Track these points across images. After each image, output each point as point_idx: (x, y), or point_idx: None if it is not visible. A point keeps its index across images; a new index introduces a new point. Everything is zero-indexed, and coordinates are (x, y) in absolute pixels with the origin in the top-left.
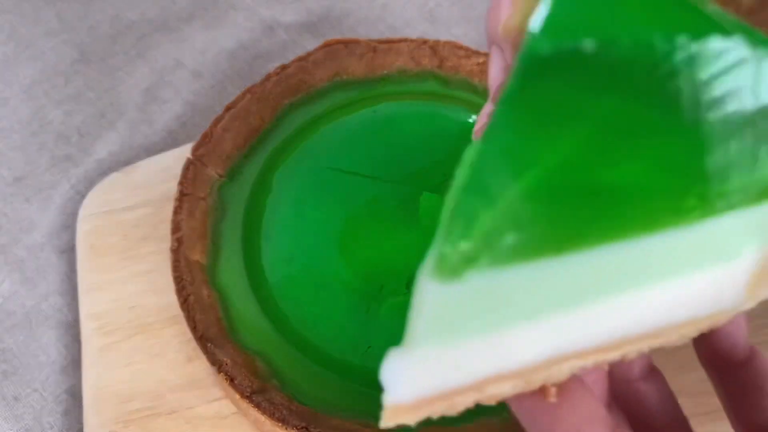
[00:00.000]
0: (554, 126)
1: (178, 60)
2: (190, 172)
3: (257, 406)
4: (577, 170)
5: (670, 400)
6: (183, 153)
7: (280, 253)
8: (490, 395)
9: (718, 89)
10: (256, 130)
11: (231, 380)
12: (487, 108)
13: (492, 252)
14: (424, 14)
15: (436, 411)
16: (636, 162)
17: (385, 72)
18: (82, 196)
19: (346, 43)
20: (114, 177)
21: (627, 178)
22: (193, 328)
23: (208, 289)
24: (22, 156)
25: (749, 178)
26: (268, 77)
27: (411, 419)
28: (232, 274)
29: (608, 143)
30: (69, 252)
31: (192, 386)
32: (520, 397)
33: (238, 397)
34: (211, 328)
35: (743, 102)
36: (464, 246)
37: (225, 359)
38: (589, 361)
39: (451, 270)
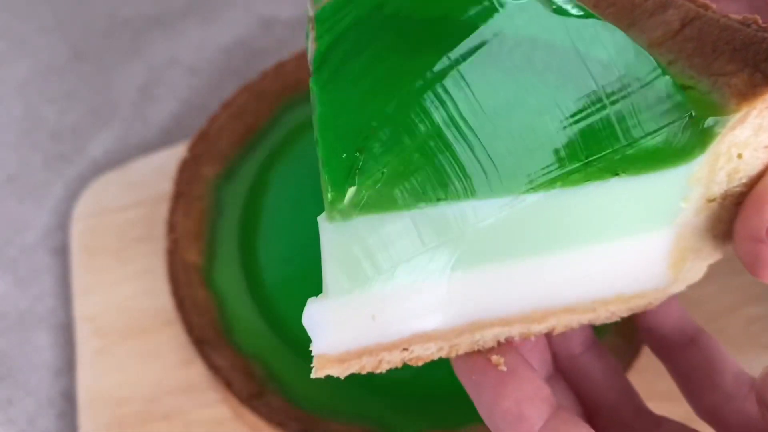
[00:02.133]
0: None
1: (173, 57)
2: (186, 171)
3: (255, 410)
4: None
5: (614, 372)
6: (179, 152)
7: (277, 253)
8: (417, 356)
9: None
10: (253, 128)
11: (228, 384)
12: None
13: (378, 195)
14: None
15: (364, 366)
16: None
17: None
18: (76, 195)
19: None
20: (108, 176)
21: (513, 134)
22: (189, 331)
23: (205, 290)
24: (15, 155)
25: (622, 144)
26: (265, 74)
27: (340, 372)
28: (228, 275)
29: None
30: (63, 253)
31: (188, 390)
32: (467, 370)
33: (235, 401)
34: (208, 330)
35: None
36: (350, 190)
37: (222, 363)
38: (514, 330)
39: (341, 212)
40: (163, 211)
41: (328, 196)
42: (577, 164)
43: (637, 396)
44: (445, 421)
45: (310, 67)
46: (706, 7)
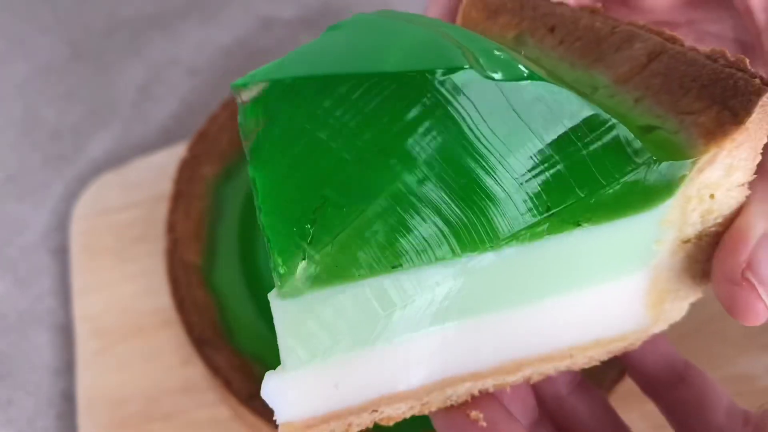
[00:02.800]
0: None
1: (173, 57)
2: (186, 171)
3: (254, 410)
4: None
5: (604, 410)
6: (178, 151)
7: None
8: (388, 416)
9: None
10: None
11: (228, 384)
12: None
13: (331, 268)
14: (424, 9)
15: (334, 430)
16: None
17: None
18: (76, 195)
19: None
20: (108, 176)
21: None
22: (189, 331)
23: (204, 291)
24: (15, 155)
25: (581, 196)
26: None
27: None
28: (228, 275)
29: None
30: (62, 253)
31: (187, 390)
32: (446, 426)
33: (235, 401)
34: (207, 330)
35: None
36: (300, 264)
37: (222, 363)
38: (487, 383)
39: (292, 289)
40: (162, 211)
41: (279, 271)
42: (538, 218)
43: (629, 430)
44: None
45: (246, 149)
46: (673, 39)
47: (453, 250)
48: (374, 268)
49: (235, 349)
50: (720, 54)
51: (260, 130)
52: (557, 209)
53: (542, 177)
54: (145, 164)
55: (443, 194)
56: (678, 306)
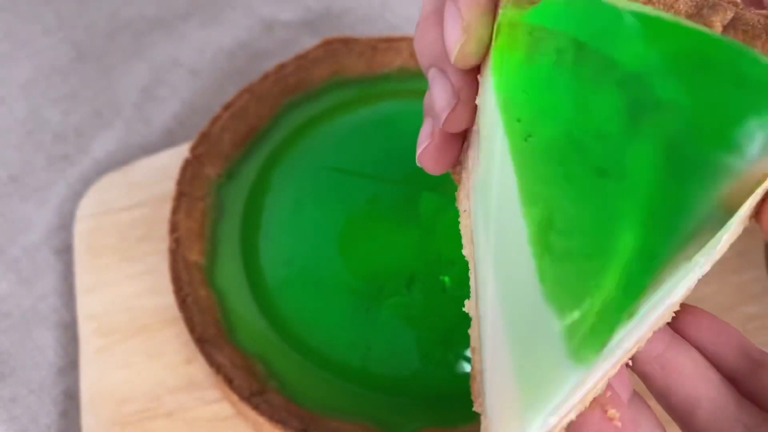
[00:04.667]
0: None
1: (175, 58)
2: (188, 171)
3: (256, 408)
4: None
5: (704, 365)
6: (181, 152)
7: (279, 253)
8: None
9: None
10: (254, 129)
11: (229, 382)
12: (427, 129)
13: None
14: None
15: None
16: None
17: (385, 70)
18: (79, 195)
19: (346, 42)
20: (111, 177)
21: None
22: (192, 330)
23: (207, 290)
24: (19, 155)
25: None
26: (266, 76)
27: None
28: (230, 275)
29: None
30: (66, 252)
31: (190, 388)
32: (583, 426)
33: (236, 399)
34: (210, 329)
35: None
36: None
37: (223, 361)
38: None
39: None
40: (165, 210)
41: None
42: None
43: (736, 387)
44: (445, 419)
45: None
46: (735, 4)
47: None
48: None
49: (237, 348)
50: None
51: None
52: None
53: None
54: (147, 165)
55: None
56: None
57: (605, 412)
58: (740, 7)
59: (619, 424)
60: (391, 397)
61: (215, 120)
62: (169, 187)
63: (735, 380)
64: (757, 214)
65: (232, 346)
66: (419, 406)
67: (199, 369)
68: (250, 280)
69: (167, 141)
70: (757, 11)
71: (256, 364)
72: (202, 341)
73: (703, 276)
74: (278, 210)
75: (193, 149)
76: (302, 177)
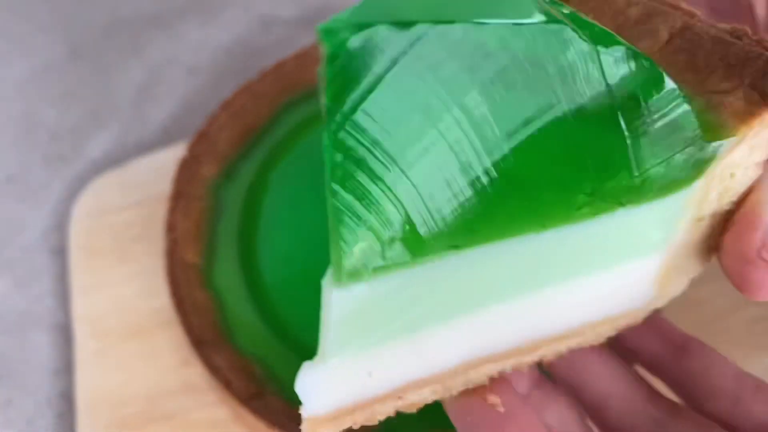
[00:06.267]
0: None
1: (172, 57)
2: (186, 171)
3: (254, 411)
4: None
5: (617, 362)
6: (178, 151)
7: (277, 254)
8: (411, 402)
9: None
10: (252, 128)
11: (227, 385)
12: None
13: (385, 255)
14: None
15: (357, 420)
16: (526, 154)
17: None
18: (75, 195)
19: None
20: (107, 176)
21: (516, 170)
22: (189, 332)
23: (204, 291)
24: (14, 155)
25: (634, 175)
26: (264, 74)
27: (331, 430)
28: (228, 275)
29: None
30: (62, 253)
31: (187, 391)
32: (461, 412)
33: (234, 401)
34: (207, 331)
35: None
36: (357, 250)
37: (221, 363)
38: (507, 364)
39: (348, 275)
40: (162, 211)
41: (341, 257)
42: (584, 197)
43: (647, 382)
44: (445, 421)
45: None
46: (692, 15)
47: (501, 232)
48: (431, 251)
49: (235, 350)
50: (743, 32)
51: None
52: (609, 187)
53: (603, 151)
54: (144, 164)
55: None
56: (680, 281)
57: (485, 399)
58: (696, 18)
59: (502, 409)
60: None
61: (213, 119)
62: (166, 187)
63: (659, 367)
64: (716, 247)
65: (230, 348)
66: (421, 409)
67: (196, 371)
68: (248, 281)
69: (164, 140)
70: (715, 24)
71: (254, 366)
72: (200, 343)
73: (702, 276)
74: (276, 210)
75: (191, 149)
76: (301, 176)
